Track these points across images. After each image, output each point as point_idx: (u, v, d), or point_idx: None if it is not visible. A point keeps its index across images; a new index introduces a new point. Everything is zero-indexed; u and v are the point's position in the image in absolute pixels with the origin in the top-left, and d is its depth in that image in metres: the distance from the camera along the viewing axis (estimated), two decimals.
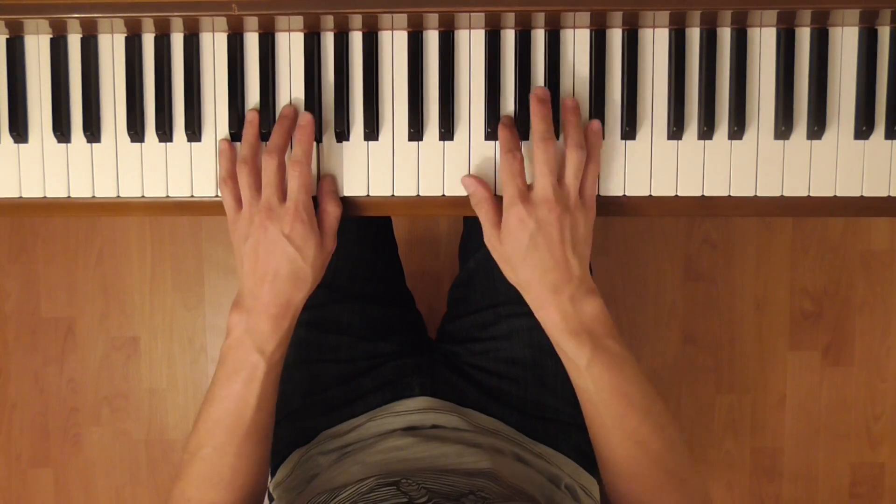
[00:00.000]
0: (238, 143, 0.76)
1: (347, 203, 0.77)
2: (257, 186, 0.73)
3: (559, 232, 0.70)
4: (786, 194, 0.76)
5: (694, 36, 0.76)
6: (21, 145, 0.78)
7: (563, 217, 0.70)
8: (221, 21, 0.74)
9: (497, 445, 0.83)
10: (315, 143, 0.76)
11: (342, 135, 0.76)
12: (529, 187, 0.71)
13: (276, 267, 0.72)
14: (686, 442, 0.74)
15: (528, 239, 0.70)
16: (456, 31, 0.76)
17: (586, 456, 0.90)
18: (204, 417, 0.74)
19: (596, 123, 0.75)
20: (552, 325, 0.72)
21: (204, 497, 0.74)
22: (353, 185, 0.77)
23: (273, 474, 0.93)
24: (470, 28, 0.76)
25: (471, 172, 0.76)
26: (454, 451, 0.78)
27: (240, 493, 0.75)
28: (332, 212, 0.75)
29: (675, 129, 0.75)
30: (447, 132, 0.76)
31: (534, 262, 0.71)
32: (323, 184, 0.76)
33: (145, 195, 0.78)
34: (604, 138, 0.76)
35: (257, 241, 0.72)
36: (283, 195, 0.72)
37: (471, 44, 0.76)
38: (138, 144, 0.77)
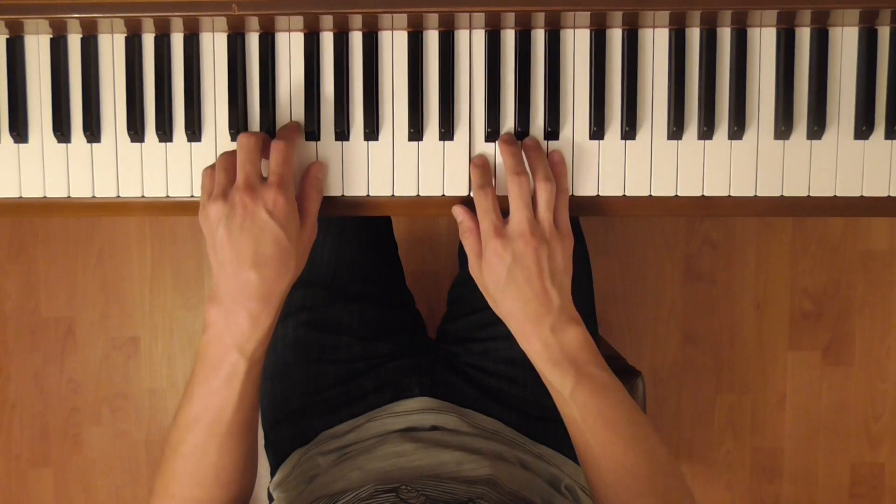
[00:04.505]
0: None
1: (347, 203, 0.77)
2: (234, 168, 0.70)
3: (536, 264, 0.70)
4: (786, 194, 0.77)
5: (694, 36, 0.76)
6: (21, 145, 0.78)
7: (540, 249, 0.70)
8: (221, 21, 0.74)
9: (497, 449, 0.83)
10: (314, 143, 0.76)
11: (342, 134, 0.76)
12: (505, 221, 0.72)
13: (258, 248, 0.67)
14: (676, 465, 0.72)
15: (507, 272, 0.70)
16: (456, 31, 0.76)
17: None
18: (184, 413, 0.71)
19: (557, 154, 0.75)
20: (535, 355, 0.72)
21: (190, 494, 0.72)
22: (353, 185, 0.77)
23: (273, 474, 0.93)
24: (470, 28, 0.76)
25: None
26: (454, 457, 0.78)
27: (227, 489, 0.73)
28: (312, 196, 0.73)
29: (675, 129, 0.75)
30: (447, 132, 0.76)
31: (513, 294, 0.71)
32: (309, 168, 0.74)
33: (145, 195, 0.78)
34: (603, 139, 0.76)
35: (237, 221, 0.67)
36: (261, 175, 0.69)
37: (471, 44, 0.76)
38: (138, 144, 0.77)
